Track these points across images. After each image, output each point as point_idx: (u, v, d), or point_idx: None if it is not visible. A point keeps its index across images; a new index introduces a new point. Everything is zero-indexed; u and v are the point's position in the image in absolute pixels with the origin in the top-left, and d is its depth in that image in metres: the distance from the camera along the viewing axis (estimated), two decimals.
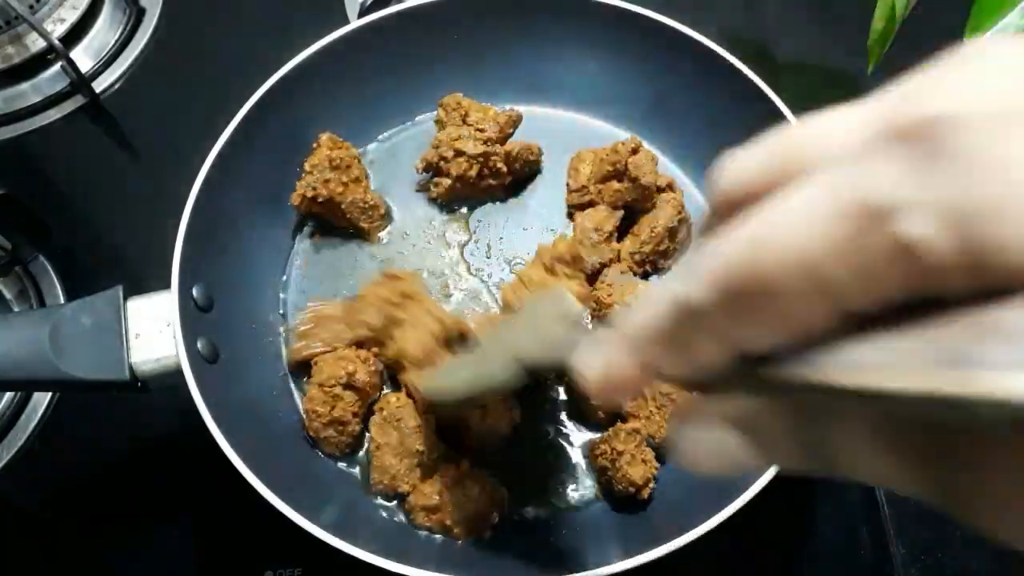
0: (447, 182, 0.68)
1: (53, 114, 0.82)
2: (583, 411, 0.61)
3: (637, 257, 0.65)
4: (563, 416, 0.62)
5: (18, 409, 0.67)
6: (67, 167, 0.80)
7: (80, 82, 0.82)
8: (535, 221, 0.70)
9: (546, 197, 0.71)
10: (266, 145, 0.66)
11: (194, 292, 0.58)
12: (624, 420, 0.59)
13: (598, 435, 0.60)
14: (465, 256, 0.69)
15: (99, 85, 0.84)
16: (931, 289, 0.17)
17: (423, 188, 0.71)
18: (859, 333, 0.18)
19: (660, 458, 0.59)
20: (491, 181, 0.69)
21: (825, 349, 0.18)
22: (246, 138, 0.63)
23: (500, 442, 0.60)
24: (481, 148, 0.66)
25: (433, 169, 0.69)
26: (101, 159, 0.81)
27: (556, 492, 0.60)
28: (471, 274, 0.68)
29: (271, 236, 0.69)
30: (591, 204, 0.68)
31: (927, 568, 0.61)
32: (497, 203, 0.71)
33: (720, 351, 0.21)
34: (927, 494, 0.19)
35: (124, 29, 0.87)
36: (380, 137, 0.74)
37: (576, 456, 0.61)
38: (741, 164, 0.21)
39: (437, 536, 0.57)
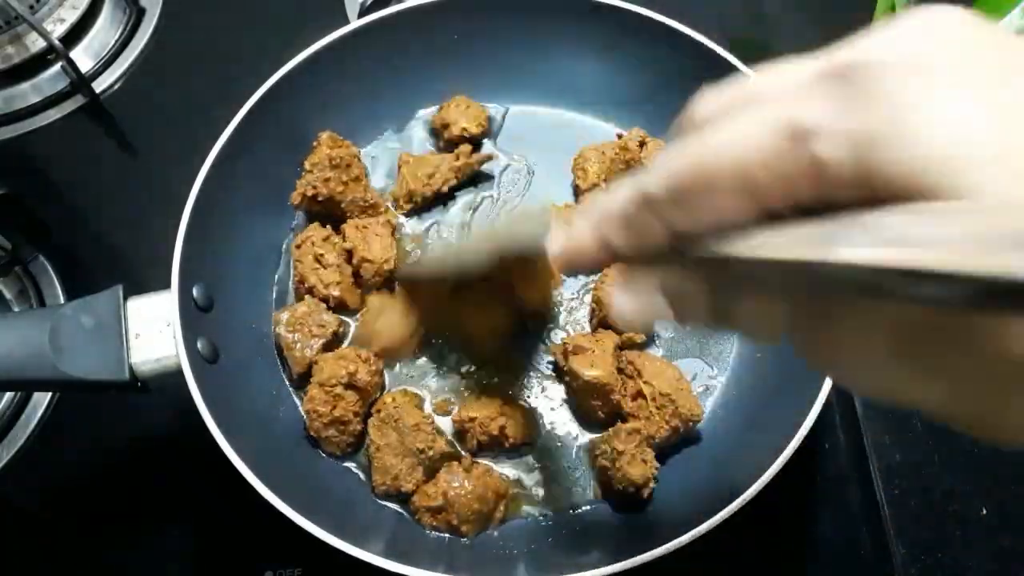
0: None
1: (53, 114, 0.82)
2: (584, 411, 0.61)
3: None
4: (563, 416, 0.62)
5: (18, 409, 0.67)
6: (67, 167, 0.80)
7: (80, 82, 0.82)
8: None
9: (549, 196, 0.71)
10: (266, 144, 0.66)
11: (194, 292, 0.58)
12: (624, 420, 0.59)
13: (598, 435, 0.60)
14: None
15: (99, 85, 0.84)
16: (831, 196, 0.22)
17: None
18: (770, 224, 0.24)
19: (660, 458, 0.59)
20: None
21: (739, 234, 0.24)
22: (246, 138, 0.63)
23: (502, 340, 0.62)
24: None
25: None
26: (101, 159, 0.81)
27: (556, 492, 0.60)
28: None
29: (271, 235, 0.69)
30: None
31: (927, 568, 0.61)
32: (496, 215, 0.71)
33: (662, 231, 0.27)
34: (792, 339, 0.27)
35: (124, 29, 0.87)
36: (380, 136, 0.74)
37: (576, 456, 0.61)
38: (707, 97, 0.27)
39: (439, 535, 0.57)
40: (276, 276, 0.68)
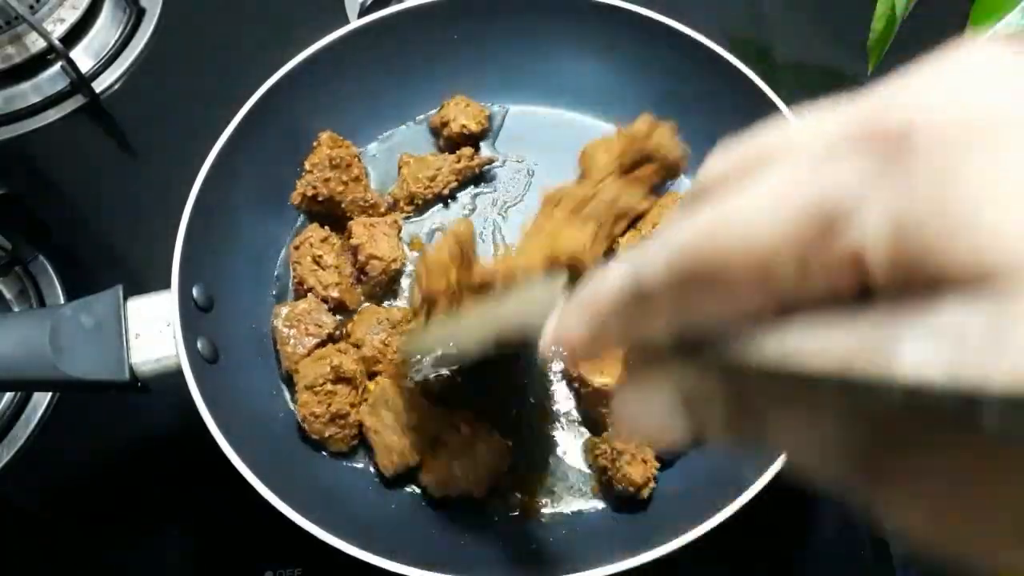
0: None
1: (53, 114, 0.82)
2: (592, 417, 0.61)
3: None
4: (564, 417, 0.62)
5: (18, 409, 0.67)
6: (67, 167, 0.80)
7: (80, 82, 0.81)
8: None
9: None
10: (266, 144, 0.66)
11: (194, 292, 0.58)
12: None
13: (598, 435, 0.60)
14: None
15: (99, 85, 0.84)
16: (867, 284, 0.18)
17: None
18: (793, 315, 0.19)
19: (660, 458, 0.59)
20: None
21: (760, 330, 0.19)
22: (246, 137, 0.63)
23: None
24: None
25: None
26: (101, 159, 0.81)
27: (556, 492, 0.60)
28: None
29: (271, 235, 0.69)
30: None
31: (927, 568, 0.61)
32: (497, 216, 0.71)
33: (664, 328, 0.22)
34: (840, 482, 0.21)
35: (124, 29, 0.87)
36: (380, 136, 0.74)
37: (576, 456, 0.61)
38: (722, 154, 0.22)
39: (440, 535, 0.57)
40: (276, 276, 0.68)
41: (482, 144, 0.74)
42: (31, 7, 0.83)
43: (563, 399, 0.63)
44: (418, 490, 0.60)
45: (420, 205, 0.70)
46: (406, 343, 0.58)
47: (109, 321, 0.54)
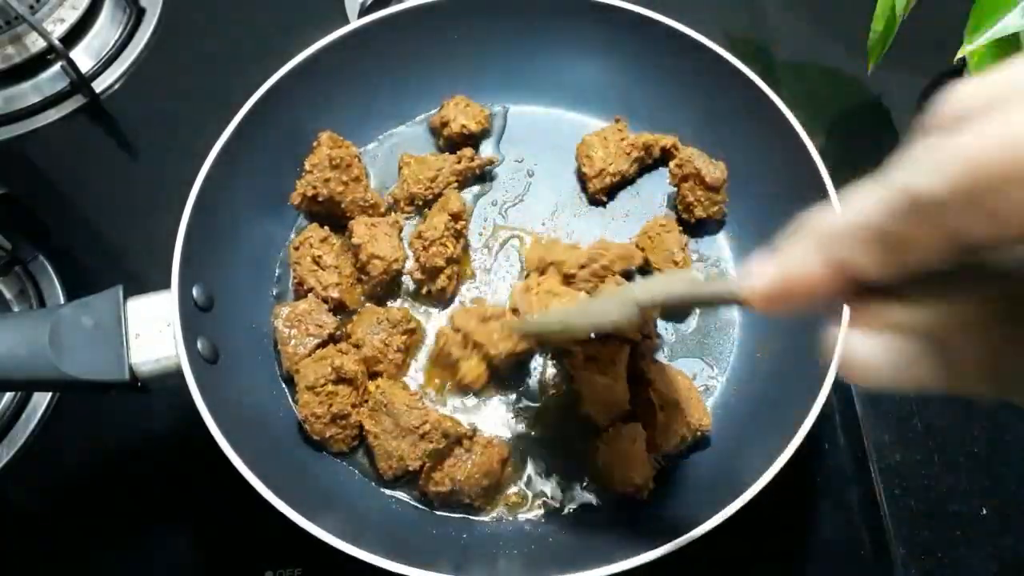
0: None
1: (53, 114, 0.82)
2: (584, 416, 0.61)
3: None
4: (563, 416, 0.62)
5: (18, 409, 0.67)
6: (67, 167, 0.80)
7: (80, 82, 0.82)
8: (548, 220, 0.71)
9: (549, 196, 0.72)
10: (266, 144, 0.66)
11: (194, 292, 0.58)
12: (624, 421, 0.59)
13: (598, 435, 0.60)
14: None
15: (99, 85, 0.84)
16: None
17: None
18: None
19: (660, 459, 0.59)
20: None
21: None
22: (246, 138, 0.63)
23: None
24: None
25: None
26: (101, 159, 0.81)
27: (557, 492, 0.60)
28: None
29: (271, 235, 0.69)
30: (615, 187, 0.70)
31: (927, 568, 0.61)
32: (497, 216, 0.71)
33: (942, 244, 0.21)
34: None
35: (124, 29, 0.87)
36: (380, 136, 0.74)
37: (576, 456, 0.61)
38: (968, 86, 0.22)
39: (439, 535, 0.57)
40: (276, 276, 0.68)
41: (482, 144, 0.74)
42: (31, 7, 0.83)
43: (563, 399, 0.63)
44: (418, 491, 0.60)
45: (420, 205, 0.70)
46: (523, 323, 0.56)
47: (109, 321, 0.54)
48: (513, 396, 0.63)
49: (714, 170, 0.66)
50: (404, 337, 0.63)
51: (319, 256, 0.64)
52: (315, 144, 0.67)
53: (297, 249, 0.65)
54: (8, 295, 0.72)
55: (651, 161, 0.72)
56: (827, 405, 0.53)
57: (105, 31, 0.87)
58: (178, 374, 0.53)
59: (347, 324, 0.64)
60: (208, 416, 0.52)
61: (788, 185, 0.64)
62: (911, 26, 0.67)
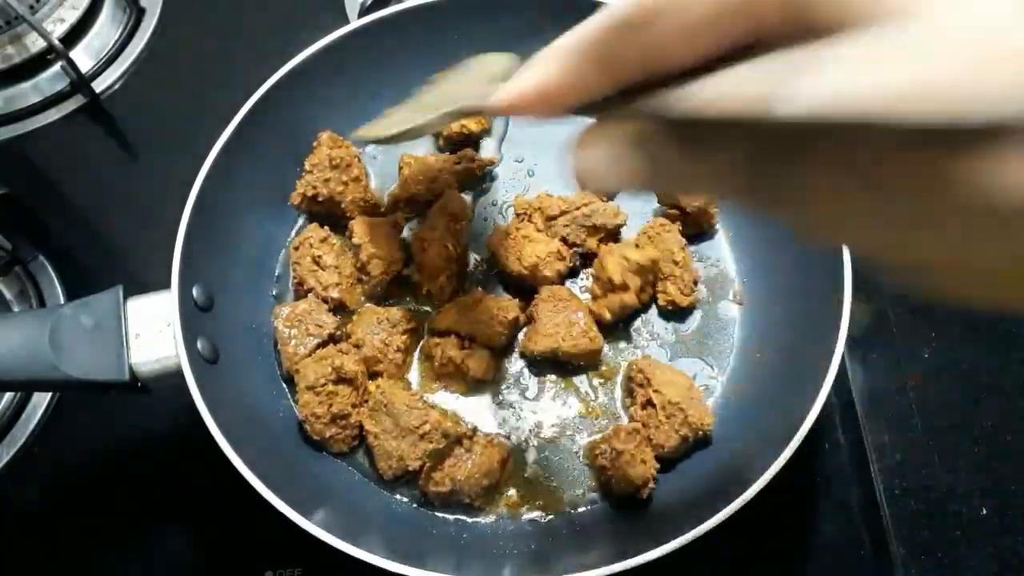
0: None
1: (53, 114, 0.82)
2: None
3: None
4: (564, 416, 0.62)
5: (18, 409, 0.67)
6: (67, 167, 0.80)
7: (80, 82, 0.82)
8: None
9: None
10: (266, 144, 0.66)
11: (194, 292, 0.58)
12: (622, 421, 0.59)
13: (598, 435, 0.60)
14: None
15: (99, 85, 0.84)
16: (765, 32, 0.23)
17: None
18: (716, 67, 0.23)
19: (660, 459, 0.59)
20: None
21: (688, 84, 0.24)
22: (246, 138, 0.63)
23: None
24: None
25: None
26: (101, 159, 0.81)
27: (556, 492, 0.60)
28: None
29: (271, 235, 0.69)
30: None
31: (927, 568, 0.61)
32: (497, 216, 0.71)
33: (637, 60, 0.26)
34: (746, 196, 0.26)
35: (124, 29, 0.87)
36: None
37: (576, 456, 0.61)
38: None
39: (439, 535, 0.57)
40: (276, 276, 0.68)
41: (482, 144, 0.74)
42: (31, 7, 0.83)
43: (564, 400, 0.63)
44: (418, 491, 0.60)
45: (420, 205, 0.70)
46: (365, 130, 0.57)
47: (109, 321, 0.54)
48: (513, 396, 0.63)
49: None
50: (404, 337, 0.63)
51: (319, 256, 0.64)
52: (315, 144, 0.67)
53: (297, 249, 0.65)
54: (8, 295, 0.72)
55: None
56: (827, 405, 0.53)
57: (105, 31, 0.87)
58: (178, 374, 0.53)
59: (347, 324, 0.64)
60: (208, 416, 0.52)
61: None
62: None
